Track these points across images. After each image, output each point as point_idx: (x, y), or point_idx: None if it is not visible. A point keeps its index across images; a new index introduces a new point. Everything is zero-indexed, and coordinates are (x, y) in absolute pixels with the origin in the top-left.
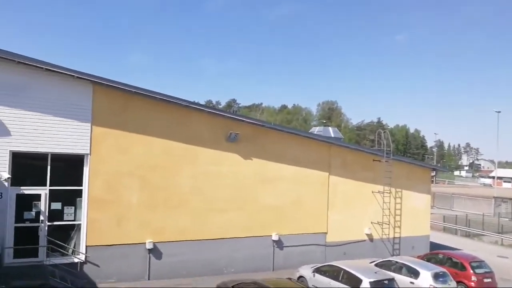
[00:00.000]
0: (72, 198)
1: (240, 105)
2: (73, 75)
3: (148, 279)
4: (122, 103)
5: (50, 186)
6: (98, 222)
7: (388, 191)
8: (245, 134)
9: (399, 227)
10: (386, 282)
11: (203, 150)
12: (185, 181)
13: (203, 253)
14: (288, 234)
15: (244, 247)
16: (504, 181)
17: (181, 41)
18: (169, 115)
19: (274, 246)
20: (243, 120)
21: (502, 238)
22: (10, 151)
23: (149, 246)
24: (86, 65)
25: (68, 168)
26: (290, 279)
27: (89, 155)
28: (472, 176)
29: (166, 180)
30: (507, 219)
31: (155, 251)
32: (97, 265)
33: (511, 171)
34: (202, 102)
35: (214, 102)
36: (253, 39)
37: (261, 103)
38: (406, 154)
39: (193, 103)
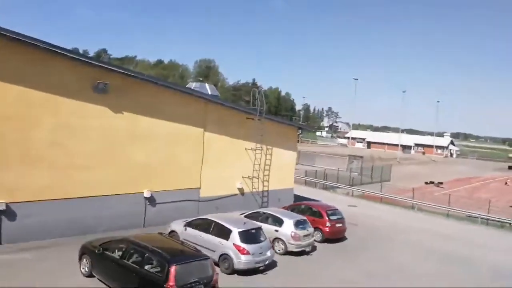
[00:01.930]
0: None
1: (111, 56)
2: None
3: (0, 244)
4: None
5: None
6: None
7: (260, 148)
8: (116, 86)
9: (268, 181)
10: (253, 231)
11: (66, 100)
12: (45, 135)
13: (66, 213)
14: (161, 191)
15: (113, 205)
16: (357, 141)
17: None
18: (25, 58)
19: (146, 203)
20: (112, 70)
21: (352, 190)
22: None
23: (0, 207)
24: None
25: None
26: (161, 233)
27: None
28: (331, 136)
29: (22, 132)
30: (357, 174)
31: (7, 213)
32: None
33: (362, 132)
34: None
35: (81, 51)
36: None
37: (135, 56)
38: (277, 115)
39: (54, 46)
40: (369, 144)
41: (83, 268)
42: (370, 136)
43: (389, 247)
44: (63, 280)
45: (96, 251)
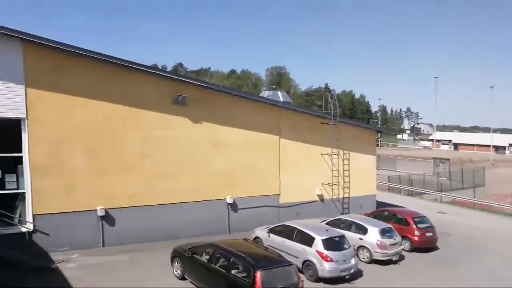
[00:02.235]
0: (13, 166)
1: (187, 70)
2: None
3: (103, 246)
4: (56, 64)
5: None
6: (44, 190)
7: (336, 153)
8: (193, 97)
9: (348, 187)
10: (337, 239)
11: (149, 113)
12: (132, 146)
13: (156, 219)
14: (242, 197)
15: (199, 211)
16: (442, 143)
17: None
18: (111, 77)
19: (228, 209)
20: (189, 82)
21: (441, 196)
22: None
23: (100, 213)
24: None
25: (5, 134)
26: (245, 239)
27: (26, 119)
28: (414, 139)
29: (112, 145)
30: (445, 178)
31: (107, 218)
32: (47, 234)
33: (448, 134)
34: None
35: (160, 66)
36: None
37: (209, 68)
38: (352, 118)
39: (136, 63)
40: (456, 145)
41: (175, 271)
42: (457, 137)
43: (489, 259)
44: (160, 281)
45: (186, 254)
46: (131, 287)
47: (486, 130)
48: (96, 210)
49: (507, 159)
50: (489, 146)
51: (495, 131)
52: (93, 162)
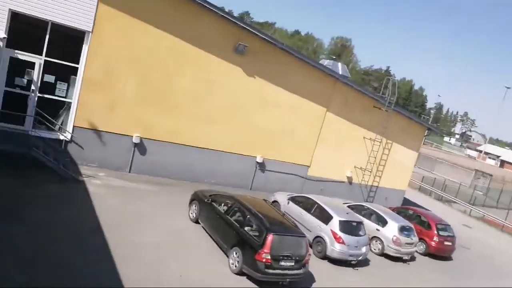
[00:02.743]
0: (67, 75)
1: (253, 20)
2: None
3: (129, 172)
4: None
5: (46, 56)
6: (90, 104)
7: (380, 140)
8: (254, 49)
9: (380, 176)
10: (354, 224)
11: (209, 56)
12: (184, 85)
13: (186, 159)
14: (272, 159)
15: (228, 162)
16: (489, 157)
17: None
18: (181, 11)
19: (256, 167)
20: (254, 33)
21: (471, 209)
22: (9, 9)
23: (136, 140)
24: None
25: (67, 42)
26: (265, 200)
27: (90, 33)
28: (460, 145)
29: (166, 79)
30: (481, 193)
31: (140, 146)
32: (81, 147)
33: (498, 149)
34: None
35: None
36: None
37: (275, 23)
38: (404, 109)
39: (209, 3)
40: (503, 163)
41: (191, 213)
42: (506, 154)
43: (497, 280)
44: (173, 220)
45: (206, 200)
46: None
47: None
48: (132, 136)
49: None
50: None
51: None
52: (143, 90)
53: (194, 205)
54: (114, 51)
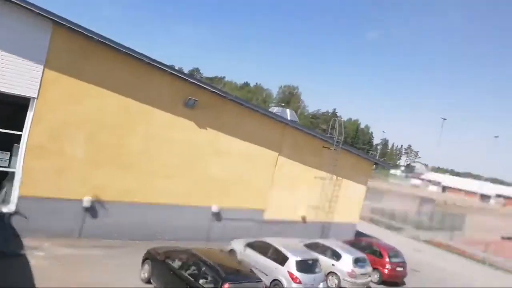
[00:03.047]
0: (9, 144)
1: (202, 75)
2: (33, 10)
3: (79, 236)
4: (82, 50)
5: None
6: (35, 172)
7: (330, 178)
8: (203, 102)
9: (332, 212)
10: (310, 262)
11: (159, 113)
12: (136, 142)
13: (139, 217)
14: (228, 207)
15: (182, 216)
16: (432, 184)
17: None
18: (130, 71)
19: (212, 218)
20: (204, 87)
21: (419, 235)
22: None
23: (86, 203)
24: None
25: (11, 110)
26: (221, 250)
27: (35, 99)
28: (406, 176)
29: (116, 138)
30: (426, 218)
31: (91, 209)
32: (26, 217)
33: (439, 175)
34: None
35: (177, 68)
36: (229, 13)
37: (224, 77)
38: (353, 147)
39: (156, 61)
40: (444, 188)
41: (143, 273)
42: (447, 180)
43: None
44: (121, 282)
45: (158, 257)
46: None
47: (478, 177)
48: (82, 200)
49: (490, 208)
50: (475, 193)
51: (486, 179)
52: (93, 151)
53: (146, 264)
54: (61, 114)
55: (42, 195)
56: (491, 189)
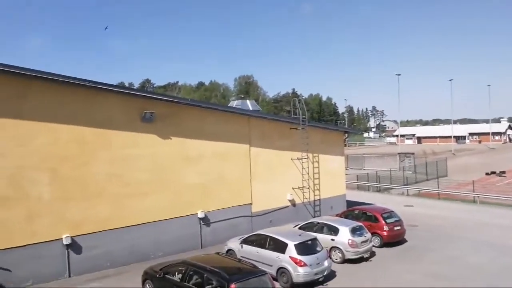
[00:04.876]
0: None
1: (155, 85)
2: None
3: (69, 276)
4: (19, 90)
5: None
6: (5, 223)
7: (306, 157)
8: (162, 113)
9: (318, 189)
10: (309, 242)
11: (117, 133)
12: (101, 168)
13: (127, 241)
14: (214, 210)
15: (170, 229)
16: (407, 138)
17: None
18: (75, 99)
19: (200, 224)
20: (157, 98)
21: (407, 189)
22: None
23: (66, 241)
24: None
25: None
26: (218, 253)
27: None
28: (379, 136)
29: (79, 169)
30: (410, 172)
31: (73, 246)
32: (9, 270)
33: (411, 128)
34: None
35: (127, 84)
36: (162, 14)
37: (177, 82)
38: (320, 121)
39: (100, 83)
40: (419, 139)
41: None
42: (420, 131)
43: (456, 246)
44: None
45: (157, 275)
46: None
47: (447, 122)
48: (61, 239)
49: (467, 148)
50: (450, 137)
51: (455, 122)
52: (58, 188)
53: (147, 285)
54: (15, 159)
55: (18, 244)
56: (463, 130)
